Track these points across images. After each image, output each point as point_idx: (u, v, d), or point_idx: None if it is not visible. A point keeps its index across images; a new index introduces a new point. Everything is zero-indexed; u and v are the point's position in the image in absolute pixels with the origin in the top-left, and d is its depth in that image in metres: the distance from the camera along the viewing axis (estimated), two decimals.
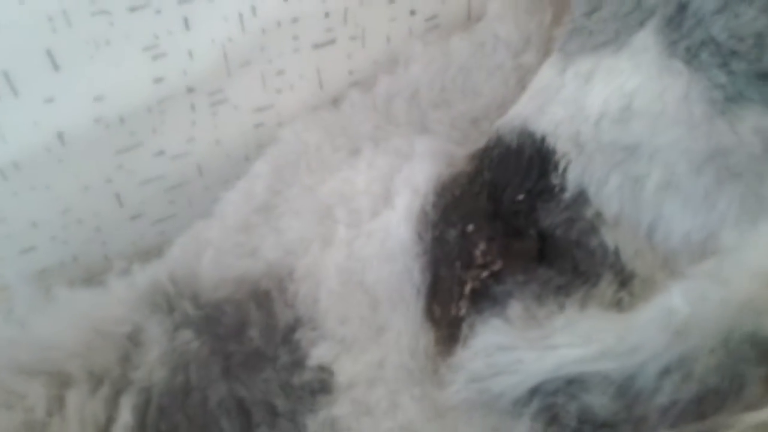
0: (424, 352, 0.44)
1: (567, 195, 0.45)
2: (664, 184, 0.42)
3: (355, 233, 0.47)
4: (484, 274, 0.44)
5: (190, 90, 0.57)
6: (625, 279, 0.42)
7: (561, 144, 0.46)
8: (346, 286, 0.46)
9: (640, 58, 0.44)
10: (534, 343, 0.39)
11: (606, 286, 0.41)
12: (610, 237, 0.43)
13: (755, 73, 0.40)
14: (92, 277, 0.59)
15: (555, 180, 0.46)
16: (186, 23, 0.54)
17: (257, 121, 0.62)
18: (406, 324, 0.44)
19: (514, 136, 0.48)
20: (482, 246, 0.45)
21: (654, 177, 0.42)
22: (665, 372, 0.35)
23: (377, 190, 0.49)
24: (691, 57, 0.42)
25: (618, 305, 0.41)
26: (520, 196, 0.47)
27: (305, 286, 0.47)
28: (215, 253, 0.50)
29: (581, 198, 0.44)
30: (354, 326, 0.45)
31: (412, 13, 0.62)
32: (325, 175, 0.52)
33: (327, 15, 0.59)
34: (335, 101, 0.63)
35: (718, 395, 0.33)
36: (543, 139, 0.47)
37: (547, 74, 0.49)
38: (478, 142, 0.53)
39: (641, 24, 0.44)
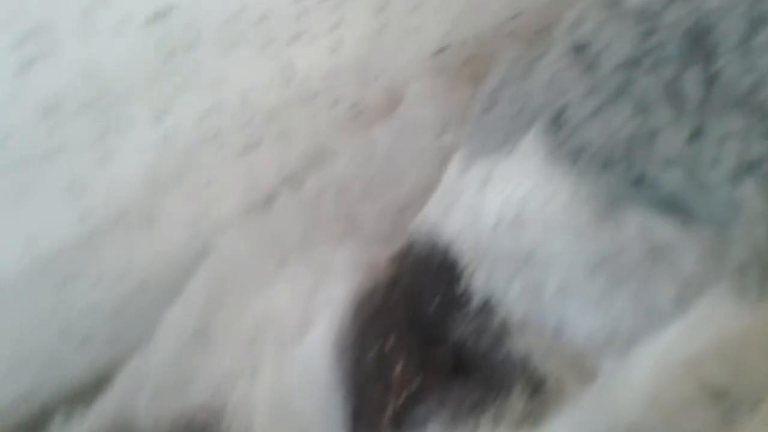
0: None
1: (474, 304, 0.45)
2: (562, 288, 0.42)
3: (281, 360, 0.48)
4: (404, 395, 0.44)
5: (120, 217, 0.57)
6: (536, 386, 0.42)
7: (464, 253, 0.46)
8: (276, 417, 0.46)
9: (529, 163, 0.44)
10: None
11: (517, 398, 0.41)
12: (519, 343, 0.43)
13: (631, 179, 0.40)
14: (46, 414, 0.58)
15: (462, 289, 0.46)
16: (105, 158, 0.54)
17: (192, 233, 0.62)
18: None
19: (424, 241, 0.49)
20: (401, 363, 0.45)
21: (552, 282, 0.42)
22: None
23: (300, 312, 0.49)
24: (572, 162, 0.42)
25: (528, 418, 0.41)
26: (433, 306, 0.47)
27: (237, 420, 0.47)
28: (152, 389, 0.50)
29: (487, 306, 0.45)
30: None
31: (335, 103, 0.63)
32: (255, 292, 0.52)
33: (248, 123, 0.59)
34: (269, 199, 0.63)
35: None
36: (448, 247, 0.47)
37: (451, 175, 0.50)
38: (400, 239, 0.53)
39: (528, 127, 0.44)
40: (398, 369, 0.45)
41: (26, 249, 0.54)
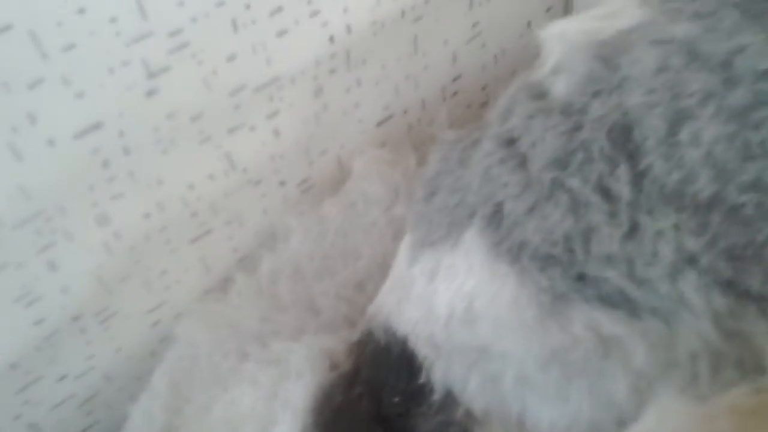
0: None
1: (436, 397, 0.45)
2: (520, 380, 0.42)
3: None
4: None
5: (75, 318, 0.58)
6: None
7: (420, 345, 0.46)
8: None
9: (472, 258, 0.44)
10: None
11: None
12: None
13: (573, 276, 0.40)
14: None
15: (422, 382, 0.46)
16: (52, 266, 0.54)
17: (153, 320, 0.63)
18: None
19: (381, 332, 0.48)
20: None
21: (509, 374, 0.42)
22: None
23: (261, 414, 0.49)
24: (514, 259, 0.42)
25: None
26: (396, 398, 0.47)
27: None
28: None
29: (449, 399, 0.44)
30: None
31: (282, 184, 0.63)
32: (216, 391, 0.53)
33: (194, 215, 0.59)
34: (225, 283, 0.64)
35: None
36: (406, 339, 0.47)
37: (401, 264, 0.49)
38: (359, 320, 0.54)
39: (469, 220, 0.44)
40: None
41: None
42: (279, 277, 0.60)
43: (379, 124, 0.65)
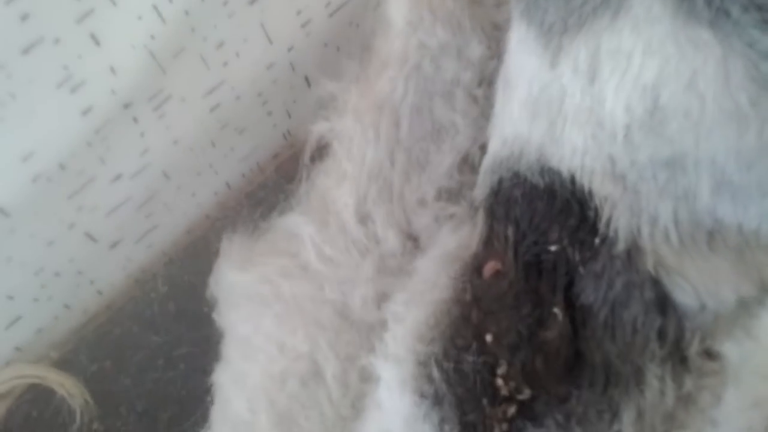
0: None
1: (619, 248, 0.34)
2: (717, 189, 0.33)
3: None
4: (511, 411, 0.34)
5: (127, 105, 0.48)
6: (684, 352, 0.33)
7: (596, 183, 0.35)
8: None
9: (650, 30, 0.32)
10: None
11: (657, 388, 0.32)
12: (675, 287, 0.33)
13: None
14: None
15: (600, 232, 0.34)
16: (95, 40, 0.43)
17: (212, 104, 0.53)
18: None
19: (536, 173, 0.37)
20: (503, 365, 0.34)
21: (705, 186, 0.33)
22: None
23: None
24: (716, 16, 0.31)
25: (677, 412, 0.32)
26: (552, 247, 0.36)
27: None
28: None
29: (635, 250, 0.34)
30: None
31: None
32: None
33: None
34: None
35: None
36: (572, 179, 0.35)
37: (534, 71, 0.37)
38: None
39: None
40: (501, 373, 0.34)
41: (25, 168, 0.46)
42: None
43: None
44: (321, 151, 0.46)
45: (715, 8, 0.31)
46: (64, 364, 0.54)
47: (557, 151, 0.35)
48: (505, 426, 0.33)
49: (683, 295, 0.33)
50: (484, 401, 0.33)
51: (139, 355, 0.54)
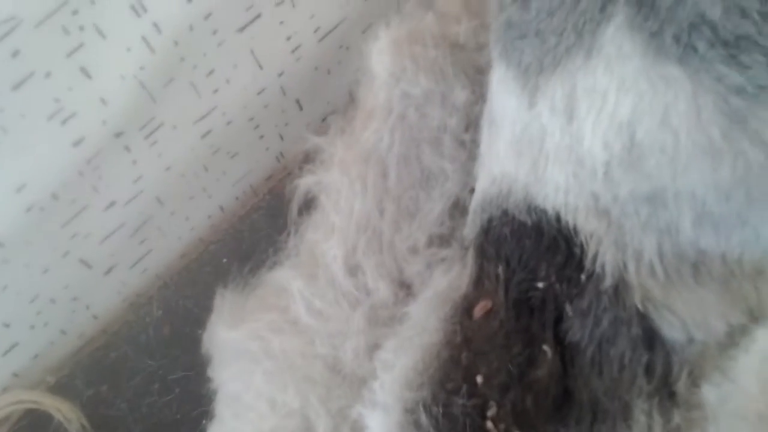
0: None
1: (606, 284, 0.34)
2: (698, 221, 0.33)
3: None
4: None
5: (118, 135, 0.48)
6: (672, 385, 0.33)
7: (580, 220, 0.35)
8: None
9: (622, 68, 0.32)
10: None
11: (645, 424, 0.32)
12: (663, 322, 0.33)
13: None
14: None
15: (585, 269, 0.35)
16: (85, 72, 0.44)
17: (204, 130, 0.54)
18: None
19: (523, 211, 0.37)
20: (494, 407, 0.34)
21: (687, 218, 0.33)
22: None
23: None
24: (684, 53, 0.31)
25: None
26: (540, 284, 0.36)
27: None
28: None
29: (622, 286, 0.34)
30: None
31: None
32: None
33: None
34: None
35: None
36: (558, 218, 0.35)
37: (514, 111, 0.37)
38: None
39: (604, 11, 0.33)
40: (491, 415, 0.34)
41: (19, 199, 0.46)
42: None
43: None
44: (308, 204, 0.47)
45: (683, 44, 0.31)
46: (60, 389, 0.55)
47: (541, 189, 0.36)
48: None
49: (671, 329, 0.33)
50: None
51: (135, 379, 0.54)
